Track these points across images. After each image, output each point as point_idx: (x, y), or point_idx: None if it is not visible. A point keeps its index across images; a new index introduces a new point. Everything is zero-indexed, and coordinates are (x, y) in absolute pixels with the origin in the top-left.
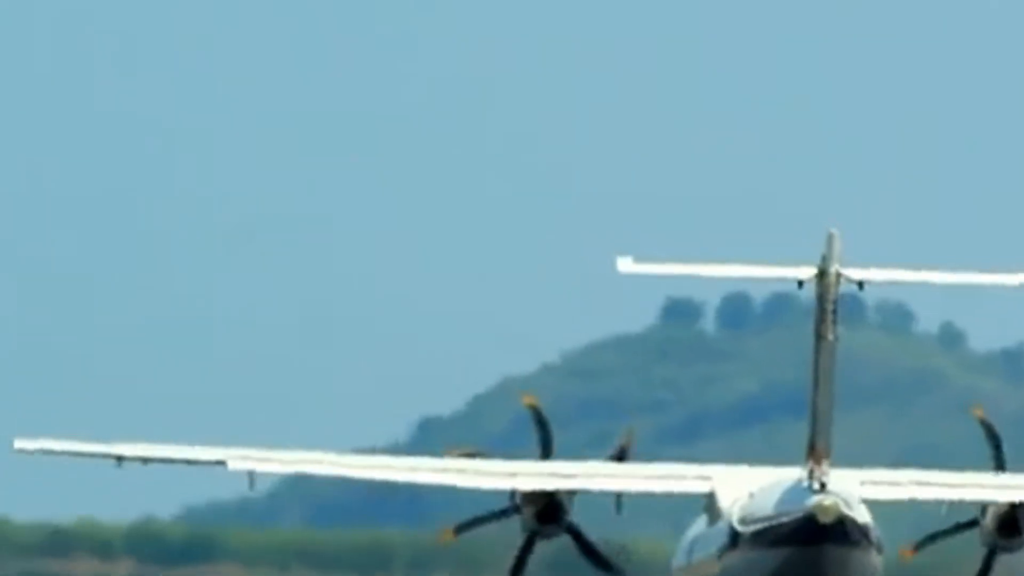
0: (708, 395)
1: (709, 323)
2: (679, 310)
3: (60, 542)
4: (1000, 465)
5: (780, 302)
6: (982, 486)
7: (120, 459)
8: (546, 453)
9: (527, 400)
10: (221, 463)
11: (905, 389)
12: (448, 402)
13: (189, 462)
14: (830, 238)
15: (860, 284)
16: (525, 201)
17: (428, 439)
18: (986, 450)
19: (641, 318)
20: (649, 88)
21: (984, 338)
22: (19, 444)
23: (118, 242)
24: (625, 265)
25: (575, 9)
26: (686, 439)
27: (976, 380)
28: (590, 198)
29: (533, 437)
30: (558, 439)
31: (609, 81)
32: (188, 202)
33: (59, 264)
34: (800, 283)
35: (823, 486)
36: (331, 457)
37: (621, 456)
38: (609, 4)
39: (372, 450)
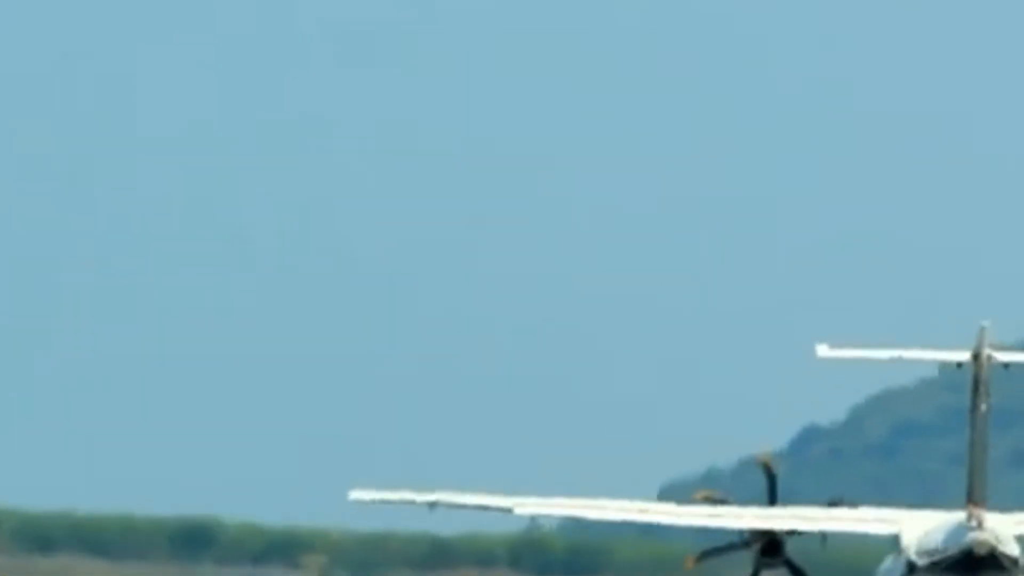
0: None
1: None
2: None
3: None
4: None
5: None
6: None
7: (432, 505)
8: (772, 501)
9: (763, 458)
10: (509, 510)
11: None
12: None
13: (483, 508)
14: (982, 330)
15: (1006, 365)
16: (776, 279)
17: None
18: None
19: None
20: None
21: None
22: (354, 495)
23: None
24: (823, 351)
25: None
26: None
27: None
28: (822, 277)
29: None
30: None
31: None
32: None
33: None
34: (959, 364)
35: (980, 524)
36: (600, 502)
37: (834, 503)
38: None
39: None
